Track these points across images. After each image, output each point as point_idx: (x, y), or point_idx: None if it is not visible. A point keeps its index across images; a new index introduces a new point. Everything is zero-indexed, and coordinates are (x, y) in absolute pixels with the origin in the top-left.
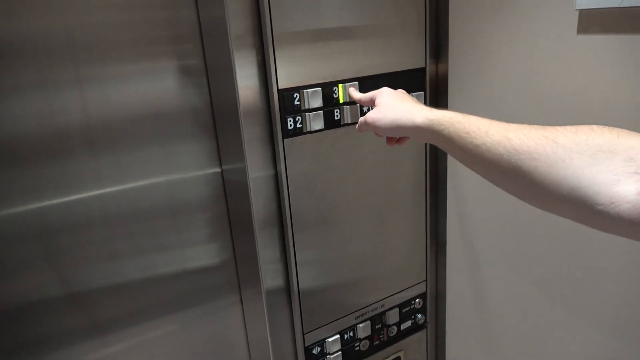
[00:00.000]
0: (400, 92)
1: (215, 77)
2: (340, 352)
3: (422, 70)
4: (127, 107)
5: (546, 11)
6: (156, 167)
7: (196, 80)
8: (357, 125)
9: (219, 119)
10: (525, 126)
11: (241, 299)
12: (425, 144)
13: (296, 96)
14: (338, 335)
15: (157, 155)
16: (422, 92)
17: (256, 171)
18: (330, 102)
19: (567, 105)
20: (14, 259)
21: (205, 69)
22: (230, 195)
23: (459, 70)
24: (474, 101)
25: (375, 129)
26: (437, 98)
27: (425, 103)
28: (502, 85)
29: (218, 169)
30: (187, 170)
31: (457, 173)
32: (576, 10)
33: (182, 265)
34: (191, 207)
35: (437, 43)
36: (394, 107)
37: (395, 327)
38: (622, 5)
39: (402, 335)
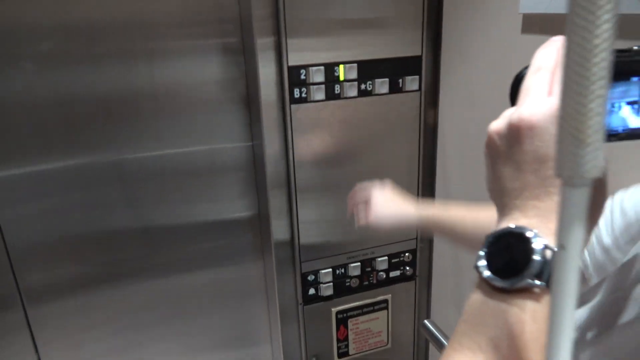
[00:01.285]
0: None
1: (247, 56)
2: (331, 283)
3: (419, 58)
4: (184, 79)
5: (497, 13)
6: (202, 137)
7: (237, 58)
8: (356, 223)
9: (251, 94)
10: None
11: (262, 240)
12: (419, 125)
13: (302, 72)
14: (330, 269)
15: (203, 128)
16: (418, 76)
17: (270, 146)
18: (331, 78)
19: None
20: (98, 199)
21: (243, 49)
22: (256, 163)
23: (449, 58)
24: (460, 85)
25: (376, 228)
26: (433, 81)
27: (420, 85)
28: (477, 72)
29: (250, 143)
30: (227, 142)
31: (445, 152)
32: (519, 13)
33: (221, 216)
34: (229, 170)
35: (433, 34)
36: (388, 207)
37: (384, 273)
38: (546, 12)
39: (391, 281)
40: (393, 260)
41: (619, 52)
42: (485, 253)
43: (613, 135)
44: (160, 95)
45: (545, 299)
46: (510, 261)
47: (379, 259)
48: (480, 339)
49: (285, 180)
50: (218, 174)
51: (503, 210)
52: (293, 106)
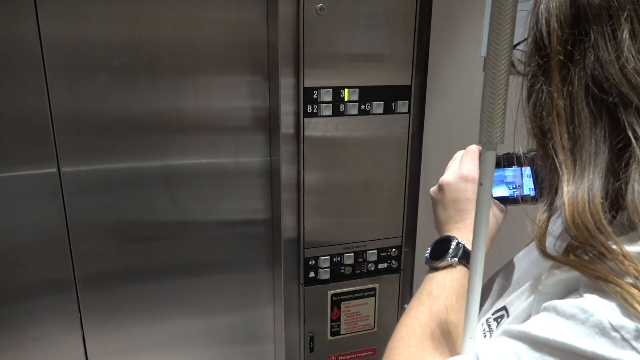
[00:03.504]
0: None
1: (271, 79)
2: (328, 269)
3: (409, 86)
4: (220, 97)
5: (466, 55)
6: (231, 152)
7: (263, 80)
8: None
9: (273, 108)
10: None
11: (273, 230)
12: (407, 140)
13: (315, 92)
14: (328, 257)
15: (233, 144)
16: (407, 101)
17: (285, 153)
18: (337, 99)
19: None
20: (146, 195)
21: (269, 73)
22: (272, 166)
23: (433, 87)
24: (440, 109)
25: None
26: (420, 105)
27: (409, 109)
28: (453, 99)
29: (268, 158)
30: (251, 156)
31: (428, 163)
32: (481, 56)
33: (242, 214)
34: (252, 178)
35: (421, 68)
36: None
37: (373, 265)
38: None
39: (379, 272)
40: (381, 254)
41: (505, 154)
42: (429, 251)
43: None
44: (201, 110)
45: (458, 269)
46: (441, 252)
47: (370, 251)
48: (423, 292)
49: (296, 179)
50: (243, 179)
51: (440, 232)
52: (306, 119)
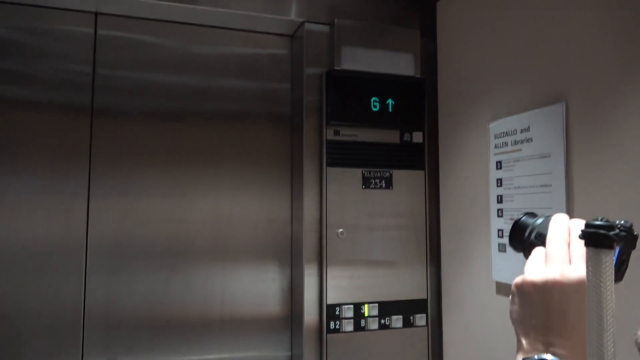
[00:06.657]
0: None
1: (295, 286)
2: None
3: (425, 300)
4: (244, 296)
5: (475, 277)
6: (254, 347)
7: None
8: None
9: (295, 317)
10: None
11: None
12: (427, 352)
13: (337, 309)
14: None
15: (255, 339)
16: (425, 314)
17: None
18: (358, 314)
19: None
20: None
21: (291, 283)
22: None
23: (447, 304)
24: (457, 324)
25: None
26: (437, 318)
27: (427, 322)
28: (467, 313)
29: (289, 353)
30: (274, 351)
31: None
32: (492, 280)
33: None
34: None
35: (435, 281)
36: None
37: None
38: None
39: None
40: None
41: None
42: None
43: None
44: (226, 305)
45: None
46: None
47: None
48: None
49: None
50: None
51: (534, 341)
52: (329, 335)
